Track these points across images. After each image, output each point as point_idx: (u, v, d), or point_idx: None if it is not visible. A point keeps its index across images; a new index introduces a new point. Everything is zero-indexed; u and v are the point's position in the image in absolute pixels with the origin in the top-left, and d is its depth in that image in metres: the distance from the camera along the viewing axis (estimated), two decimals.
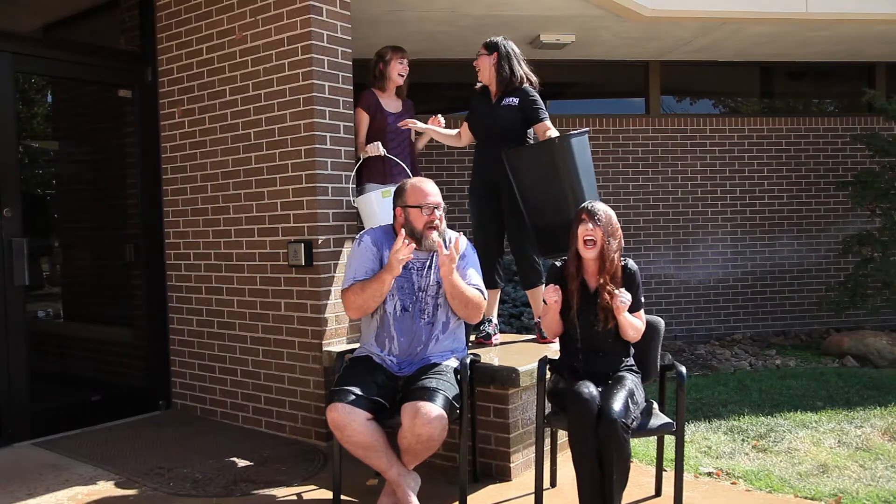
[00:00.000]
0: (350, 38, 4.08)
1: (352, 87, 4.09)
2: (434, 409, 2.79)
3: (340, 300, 3.95)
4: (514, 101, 3.93)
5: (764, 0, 5.63)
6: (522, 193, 3.71)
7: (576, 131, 3.67)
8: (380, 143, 4.14)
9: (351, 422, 2.82)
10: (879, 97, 6.59)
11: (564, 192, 3.54)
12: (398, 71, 4.28)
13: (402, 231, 3.02)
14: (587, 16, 5.63)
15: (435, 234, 3.07)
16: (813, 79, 7.74)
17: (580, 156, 3.59)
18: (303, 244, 3.92)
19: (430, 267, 3.15)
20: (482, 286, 3.20)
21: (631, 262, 3.04)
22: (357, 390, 2.89)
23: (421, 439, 2.80)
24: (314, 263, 3.92)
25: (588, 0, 5.32)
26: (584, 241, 2.95)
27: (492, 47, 3.98)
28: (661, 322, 3.20)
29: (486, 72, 4.00)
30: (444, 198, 3.21)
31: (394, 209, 3.18)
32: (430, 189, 3.14)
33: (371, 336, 3.18)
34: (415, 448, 2.85)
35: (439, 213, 3.12)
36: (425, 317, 3.13)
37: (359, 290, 3.04)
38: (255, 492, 3.29)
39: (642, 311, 3.06)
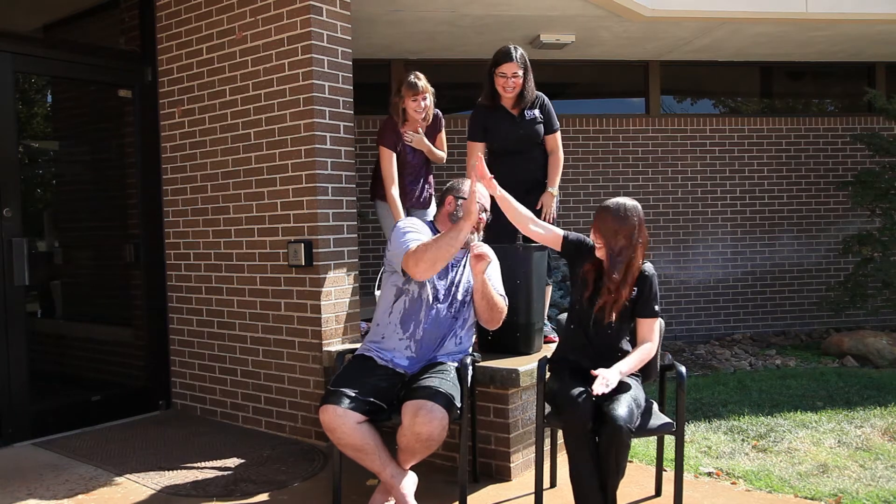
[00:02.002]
0: (350, 38, 4.08)
1: (352, 87, 4.09)
2: (435, 409, 2.79)
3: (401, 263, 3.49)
4: (536, 112, 4.04)
5: (764, 0, 5.63)
6: None
7: (537, 245, 3.72)
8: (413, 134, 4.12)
9: (341, 424, 2.82)
10: (880, 97, 6.59)
11: (517, 296, 3.60)
12: (413, 109, 4.06)
13: (476, 171, 2.98)
14: (587, 16, 5.63)
15: (474, 236, 3.10)
16: (813, 79, 7.74)
17: (537, 266, 3.70)
18: (303, 244, 3.92)
19: (464, 266, 3.21)
20: (504, 294, 3.24)
21: (648, 265, 2.95)
22: (350, 392, 2.89)
23: (420, 438, 2.80)
24: (314, 263, 3.92)
25: (588, 0, 5.32)
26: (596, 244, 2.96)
27: (524, 65, 3.92)
28: (661, 323, 3.20)
29: (518, 89, 3.94)
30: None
31: (444, 197, 3.26)
32: (486, 192, 3.16)
33: (395, 317, 3.14)
34: (413, 447, 2.85)
35: (486, 217, 3.19)
36: (452, 310, 3.17)
37: (431, 243, 2.96)
38: (255, 492, 3.29)
39: (655, 321, 2.95)
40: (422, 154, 4.26)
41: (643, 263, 2.93)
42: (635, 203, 2.92)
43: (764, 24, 5.95)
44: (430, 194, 4.40)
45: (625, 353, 2.92)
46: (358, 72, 4.19)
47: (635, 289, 2.90)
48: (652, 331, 2.93)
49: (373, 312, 3.36)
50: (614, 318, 2.89)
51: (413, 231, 3.12)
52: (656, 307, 2.94)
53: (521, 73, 3.90)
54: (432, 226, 3.31)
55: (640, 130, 7.05)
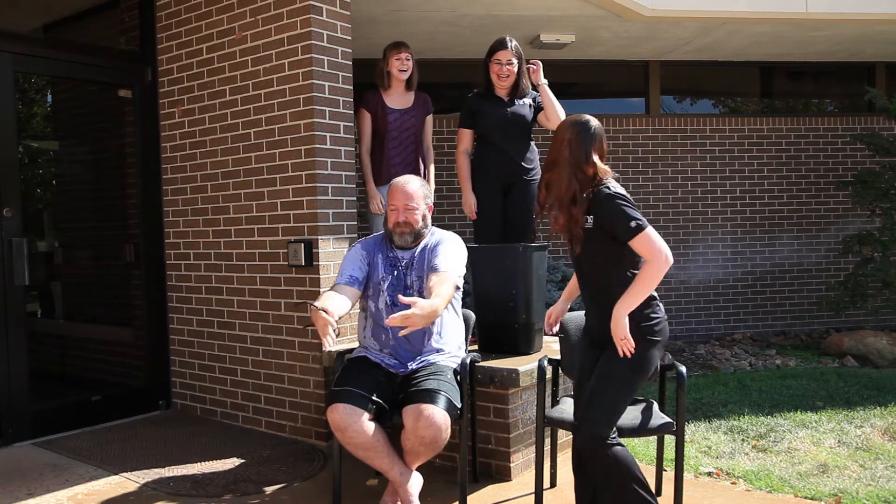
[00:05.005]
0: (350, 38, 4.08)
1: (352, 87, 4.09)
2: (436, 412, 2.78)
3: None
4: (528, 101, 4.21)
5: (764, 0, 5.63)
6: (478, 289, 3.72)
7: (537, 244, 3.76)
8: (378, 199, 4.24)
9: (352, 423, 2.81)
10: (881, 97, 6.59)
11: (517, 296, 3.60)
12: (396, 67, 4.27)
13: (321, 318, 2.78)
14: (587, 16, 5.63)
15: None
16: (813, 79, 7.74)
17: (537, 265, 3.68)
18: (303, 244, 3.92)
19: (411, 266, 3.15)
20: (449, 266, 3.01)
21: (603, 188, 2.52)
22: (358, 390, 2.89)
23: (424, 441, 2.80)
24: (314, 263, 3.92)
25: (588, 0, 5.32)
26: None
27: (518, 56, 4.13)
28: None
29: (512, 78, 4.13)
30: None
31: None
32: (403, 189, 3.11)
33: (368, 331, 3.19)
34: (418, 450, 2.85)
35: (411, 215, 3.09)
36: None
37: (332, 294, 3.03)
38: (255, 492, 3.29)
39: (643, 236, 2.45)
40: (410, 121, 4.34)
41: (598, 187, 2.53)
42: (581, 119, 2.57)
43: (764, 24, 5.95)
44: (424, 173, 4.44)
45: (614, 292, 2.53)
46: (358, 72, 4.20)
47: (589, 217, 2.52)
48: (645, 246, 2.46)
49: None
50: (579, 250, 2.56)
51: (345, 265, 3.16)
52: (632, 223, 2.46)
53: (515, 61, 4.11)
54: (383, 243, 3.22)
55: (640, 130, 7.05)
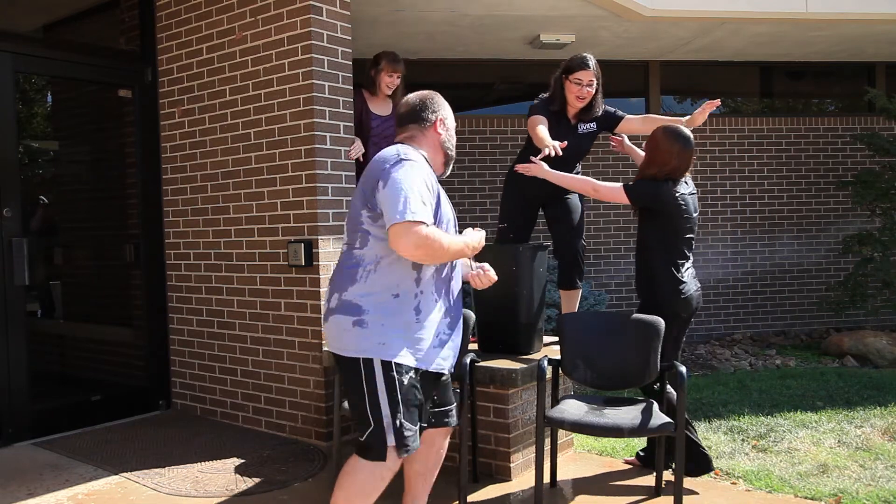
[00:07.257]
0: (350, 38, 4.08)
1: (352, 88, 4.10)
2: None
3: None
4: (593, 126, 3.94)
5: (764, 0, 5.63)
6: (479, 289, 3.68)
7: (537, 244, 3.76)
8: (359, 141, 4.13)
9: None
10: (881, 97, 6.59)
11: (517, 296, 3.59)
12: (385, 83, 4.28)
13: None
14: (587, 16, 5.63)
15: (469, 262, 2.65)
16: (813, 79, 7.74)
17: (537, 265, 3.67)
18: (303, 244, 3.92)
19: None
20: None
21: None
22: (423, 425, 2.50)
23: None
24: (314, 263, 3.92)
25: (588, 0, 5.32)
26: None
27: (598, 77, 3.82)
28: (661, 322, 3.19)
29: (589, 99, 3.83)
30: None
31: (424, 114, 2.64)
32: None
33: (430, 285, 2.48)
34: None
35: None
36: None
37: (446, 241, 2.36)
38: (255, 491, 3.29)
39: None
40: (391, 129, 4.30)
41: None
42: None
43: (764, 24, 5.95)
44: None
45: None
46: (358, 72, 4.20)
47: None
48: None
49: None
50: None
51: (428, 195, 2.38)
52: None
53: (594, 82, 3.83)
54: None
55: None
